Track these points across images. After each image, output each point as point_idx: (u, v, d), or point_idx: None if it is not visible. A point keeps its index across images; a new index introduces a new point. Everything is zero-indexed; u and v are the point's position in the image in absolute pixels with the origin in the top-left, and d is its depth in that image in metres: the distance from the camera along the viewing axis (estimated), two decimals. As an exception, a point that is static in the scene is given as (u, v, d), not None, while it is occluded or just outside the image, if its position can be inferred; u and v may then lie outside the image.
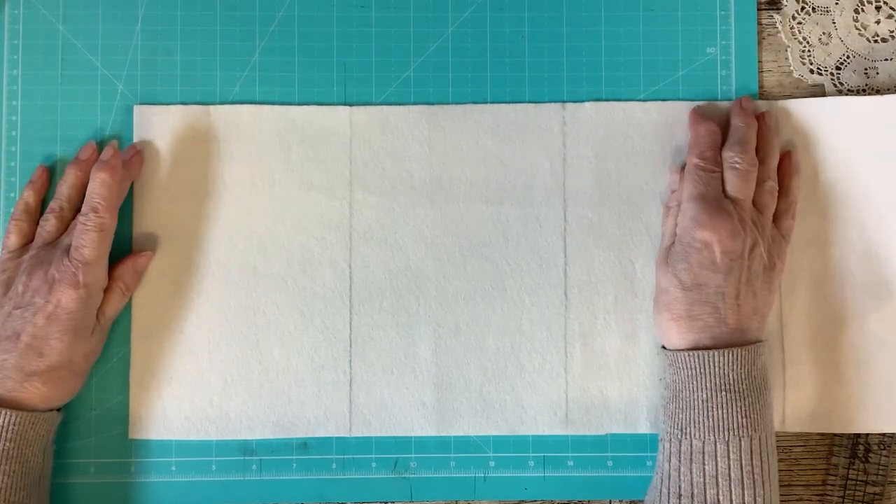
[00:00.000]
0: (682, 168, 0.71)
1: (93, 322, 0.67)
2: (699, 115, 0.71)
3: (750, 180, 0.68)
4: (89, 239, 0.66)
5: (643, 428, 0.71)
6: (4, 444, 0.63)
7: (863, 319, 0.71)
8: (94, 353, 0.69)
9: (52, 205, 0.69)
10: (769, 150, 0.70)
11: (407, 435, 0.71)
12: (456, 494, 0.72)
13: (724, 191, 0.68)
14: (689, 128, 0.72)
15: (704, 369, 0.64)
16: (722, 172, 0.68)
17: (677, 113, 0.73)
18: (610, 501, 0.72)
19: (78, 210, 0.68)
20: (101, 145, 0.72)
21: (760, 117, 0.72)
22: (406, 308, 0.72)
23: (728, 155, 0.68)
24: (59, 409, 0.68)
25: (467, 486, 0.72)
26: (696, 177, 0.68)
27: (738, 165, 0.68)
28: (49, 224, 0.68)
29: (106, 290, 0.68)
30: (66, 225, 0.69)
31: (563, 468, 0.72)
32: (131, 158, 0.70)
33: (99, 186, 0.67)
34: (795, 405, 0.71)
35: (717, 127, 0.70)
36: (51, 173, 0.72)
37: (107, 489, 0.71)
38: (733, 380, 0.63)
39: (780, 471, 0.72)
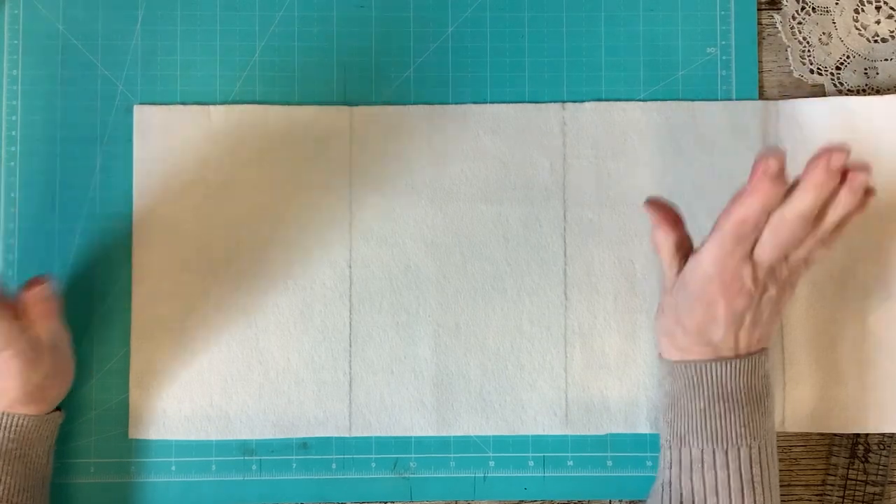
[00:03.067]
0: (654, 203, 0.64)
1: (36, 349, 0.63)
2: (766, 165, 0.56)
3: (787, 253, 0.61)
4: None
5: (643, 428, 0.71)
6: (8, 445, 0.63)
7: (863, 320, 0.71)
8: (60, 363, 0.66)
9: None
10: (838, 213, 0.60)
11: (407, 435, 0.71)
12: (456, 494, 0.72)
13: (752, 246, 0.60)
14: (751, 176, 0.57)
15: (702, 379, 0.63)
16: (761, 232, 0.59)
17: (677, 113, 0.73)
18: (610, 501, 0.72)
19: None
20: (98, 145, 0.72)
21: (848, 174, 0.58)
22: (406, 308, 0.72)
23: (778, 220, 0.58)
24: (60, 409, 0.68)
25: (467, 486, 0.72)
26: (729, 237, 0.59)
27: (781, 239, 0.59)
28: None
29: (26, 320, 0.64)
30: None
31: (562, 468, 0.72)
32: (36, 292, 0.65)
33: None
34: (795, 405, 0.71)
35: (786, 187, 0.58)
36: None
37: (107, 489, 0.71)
38: (732, 389, 0.62)
39: (780, 471, 0.72)
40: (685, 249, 0.64)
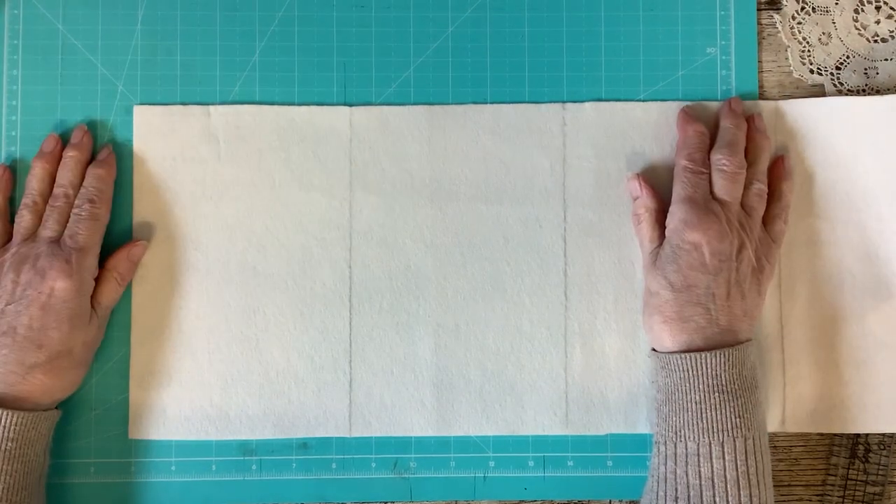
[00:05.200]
0: (638, 176, 0.71)
1: (88, 310, 0.67)
2: (688, 116, 0.72)
3: (738, 182, 0.68)
4: (85, 226, 0.67)
5: (643, 428, 0.71)
6: (7, 445, 0.63)
7: (862, 320, 0.71)
8: (93, 343, 0.69)
9: (25, 200, 0.69)
10: (758, 153, 0.71)
11: (407, 435, 0.71)
12: (456, 494, 0.72)
13: (711, 192, 0.68)
14: (678, 128, 0.72)
15: (697, 371, 0.64)
16: (710, 174, 0.69)
17: (678, 113, 0.73)
18: (610, 501, 0.72)
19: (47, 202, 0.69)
20: (98, 145, 0.72)
21: (750, 119, 0.72)
22: (406, 308, 0.72)
23: (716, 157, 0.69)
24: (56, 408, 0.68)
25: (467, 486, 0.72)
26: (685, 179, 0.68)
27: (725, 168, 0.68)
28: (25, 220, 0.69)
29: (100, 280, 0.69)
30: (41, 218, 0.69)
31: (562, 468, 0.72)
32: (108, 158, 0.71)
33: (96, 180, 0.69)
34: (795, 405, 0.71)
35: (705, 128, 0.71)
36: (13, 171, 0.72)
37: (107, 489, 0.71)
38: (726, 381, 0.64)
39: (780, 471, 0.72)
40: (663, 225, 0.70)
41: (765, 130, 0.72)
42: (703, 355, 0.64)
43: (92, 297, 0.68)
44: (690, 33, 0.74)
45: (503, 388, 0.71)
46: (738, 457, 0.62)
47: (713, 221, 0.66)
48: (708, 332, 0.65)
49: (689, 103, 0.73)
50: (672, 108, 0.73)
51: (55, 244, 0.67)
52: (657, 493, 0.64)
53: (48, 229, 0.68)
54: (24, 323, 0.65)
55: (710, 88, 0.74)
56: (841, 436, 0.72)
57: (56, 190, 0.69)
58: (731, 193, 0.68)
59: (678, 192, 0.68)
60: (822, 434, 0.72)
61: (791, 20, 0.74)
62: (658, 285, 0.67)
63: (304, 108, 0.73)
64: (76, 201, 0.69)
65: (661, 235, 0.69)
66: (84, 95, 0.73)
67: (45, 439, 0.66)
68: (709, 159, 0.69)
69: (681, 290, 0.66)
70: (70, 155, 0.70)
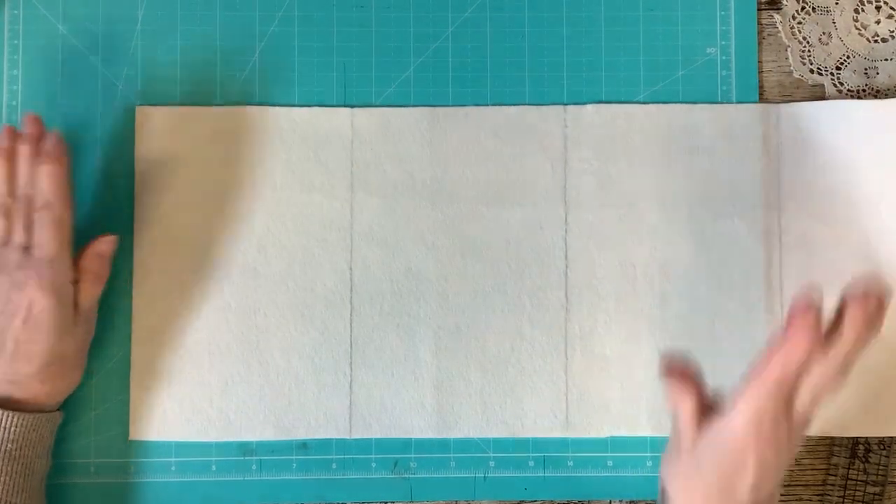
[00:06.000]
0: (700, 419, 0.58)
1: (71, 316, 0.65)
2: (807, 321, 0.55)
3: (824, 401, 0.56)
4: (48, 234, 0.64)
5: (644, 431, 0.71)
6: (8, 446, 0.63)
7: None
8: (84, 343, 0.68)
9: None
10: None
11: (407, 437, 0.71)
12: (456, 494, 0.72)
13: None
14: (788, 330, 0.55)
15: None
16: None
17: (679, 115, 0.73)
18: (610, 501, 0.72)
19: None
20: (98, 145, 0.72)
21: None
22: (406, 310, 0.72)
23: (820, 372, 0.55)
24: (59, 410, 0.68)
25: (467, 486, 0.72)
26: (761, 401, 0.55)
27: (824, 391, 0.56)
28: None
29: (77, 282, 0.66)
30: (12, 219, 0.65)
31: (562, 468, 0.72)
32: (54, 148, 0.65)
33: (48, 180, 0.64)
34: (795, 408, 0.71)
35: (821, 341, 0.55)
36: None
37: (107, 489, 0.71)
38: None
39: (779, 472, 0.71)
40: (705, 405, 0.58)
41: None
42: None
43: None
44: (690, 33, 0.74)
45: (503, 390, 0.71)
46: None
47: (771, 439, 0.55)
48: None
49: (699, 105, 0.72)
50: (673, 111, 0.73)
51: (27, 252, 0.64)
52: None
53: (18, 234, 0.65)
54: (11, 337, 0.63)
55: (710, 88, 0.74)
56: (841, 436, 0.72)
57: (17, 192, 0.65)
58: (812, 412, 0.56)
59: (750, 409, 0.55)
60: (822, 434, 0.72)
61: (791, 20, 0.74)
62: (692, 468, 0.57)
63: (305, 110, 0.73)
64: (36, 206, 0.64)
65: (703, 417, 0.58)
66: (84, 95, 0.72)
67: (47, 442, 0.66)
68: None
69: (715, 489, 0.56)
70: (21, 151, 0.65)
